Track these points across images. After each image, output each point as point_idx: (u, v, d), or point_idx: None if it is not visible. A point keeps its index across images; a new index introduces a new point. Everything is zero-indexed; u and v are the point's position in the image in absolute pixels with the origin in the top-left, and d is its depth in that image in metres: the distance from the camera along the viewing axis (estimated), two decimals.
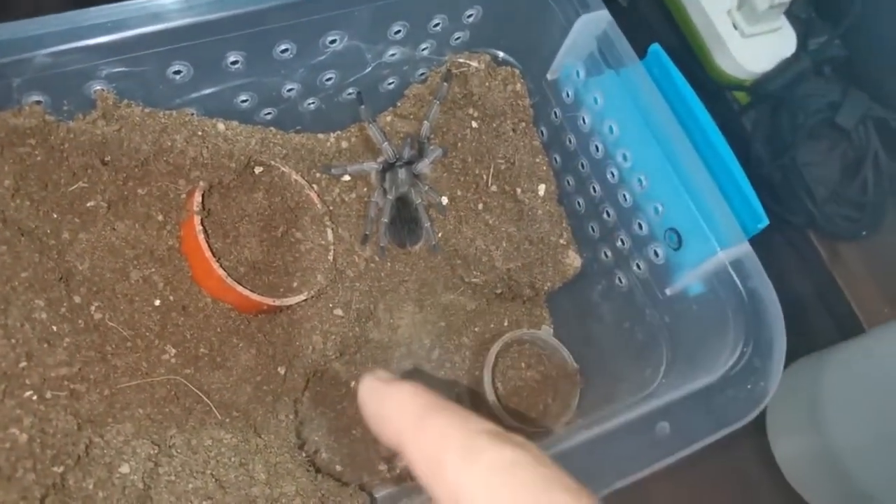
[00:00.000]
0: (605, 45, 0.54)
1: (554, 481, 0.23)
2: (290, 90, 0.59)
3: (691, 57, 0.88)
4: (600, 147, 0.58)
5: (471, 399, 0.68)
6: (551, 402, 0.68)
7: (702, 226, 0.50)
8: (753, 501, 0.75)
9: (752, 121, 0.88)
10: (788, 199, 0.84)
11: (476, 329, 0.70)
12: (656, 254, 0.55)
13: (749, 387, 0.44)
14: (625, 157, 0.56)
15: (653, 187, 0.54)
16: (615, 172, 0.57)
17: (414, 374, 0.68)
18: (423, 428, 0.25)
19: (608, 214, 0.60)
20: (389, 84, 0.65)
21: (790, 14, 0.87)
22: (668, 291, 0.55)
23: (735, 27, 0.85)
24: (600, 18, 0.55)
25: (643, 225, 0.56)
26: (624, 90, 0.53)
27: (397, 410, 0.26)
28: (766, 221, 0.52)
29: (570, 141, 0.62)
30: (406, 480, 0.65)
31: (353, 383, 0.67)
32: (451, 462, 0.23)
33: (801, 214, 0.84)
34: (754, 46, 0.85)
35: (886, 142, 0.83)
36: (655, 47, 0.56)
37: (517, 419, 0.65)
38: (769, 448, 0.74)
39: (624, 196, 0.57)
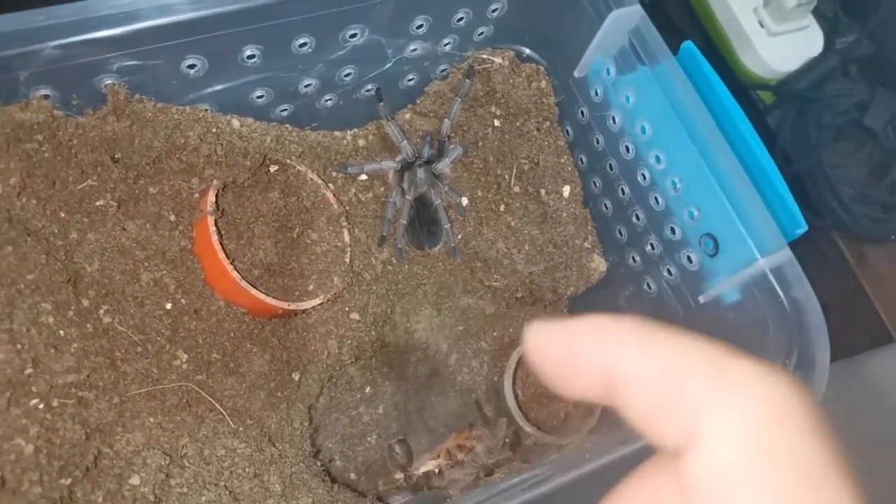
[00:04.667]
0: (638, 41, 0.52)
1: (828, 463, 0.17)
2: (307, 86, 0.57)
3: (716, 55, 0.86)
4: (631, 148, 0.56)
5: (488, 405, 0.66)
6: (573, 409, 0.66)
7: (741, 231, 0.48)
8: None
9: (777, 121, 0.85)
10: (814, 201, 0.82)
11: (495, 334, 0.68)
12: (690, 259, 0.53)
13: None
14: (658, 159, 0.53)
15: (688, 190, 0.52)
16: (646, 174, 0.55)
17: (430, 380, 0.66)
18: (656, 351, 0.19)
19: (637, 218, 0.58)
20: (409, 80, 0.63)
21: (817, 12, 0.85)
22: (701, 299, 0.53)
23: (761, 25, 0.83)
24: (633, 13, 0.53)
25: (676, 229, 0.54)
26: (658, 88, 0.51)
27: (609, 339, 0.20)
28: (804, 227, 0.50)
29: (597, 141, 0.60)
30: (422, 489, 0.63)
31: (367, 389, 0.65)
32: (695, 387, 0.17)
33: (827, 216, 0.82)
34: (781, 45, 0.83)
35: None
36: (688, 45, 0.54)
37: (538, 427, 0.63)
38: None
39: (656, 199, 0.55)
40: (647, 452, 0.45)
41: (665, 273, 0.56)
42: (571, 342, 0.20)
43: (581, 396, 0.21)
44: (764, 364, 0.18)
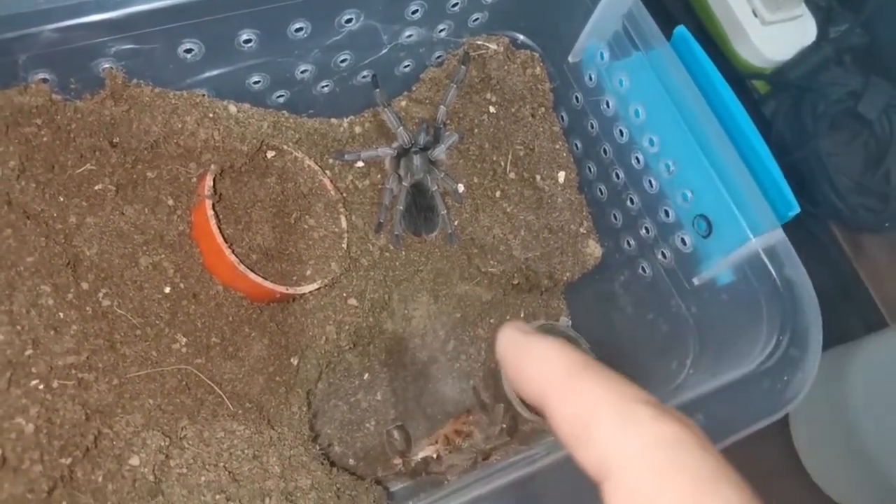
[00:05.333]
0: (631, 25, 0.53)
1: (719, 472, 0.20)
2: (303, 72, 0.57)
3: (710, 44, 0.86)
4: (625, 132, 0.56)
5: (486, 392, 0.66)
6: None
7: (734, 212, 0.48)
8: (775, 496, 0.73)
9: (772, 110, 0.86)
10: (810, 190, 0.82)
11: (492, 320, 0.69)
12: (684, 242, 0.53)
13: (786, 378, 0.42)
14: (651, 142, 0.54)
15: (681, 173, 0.52)
16: (640, 158, 0.55)
17: (428, 367, 0.67)
18: (574, 387, 0.23)
19: (632, 202, 0.58)
20: (405, 67, 0.63)
21: (811, 2, 0.85)
22: (695, 281, 0.53)
23: (755, 15, 0.83)
24: None
25: (670, 212, 0.54)
26: (652, 72, 0.52)
27: (544, 365, 0.24)
28: (797, 208, 0.51)
29: (592, 126, 0.60)
30: (420, 475, 0.63)
31: (366, 375, 0.65)
32: (605, 427, 0.22)
33: (823, 205, 0.82)
34: (774, 34, 0.83)
35: None
36: (681, 29, 0.54)
37: (535, 413, 0.63)
38: (792, 442, 0.73)
39: (650, 182, 0.55)
40: None
41: (659, 256, 0.57)
42: (523, 360, 0.25)
43: (526, 399, 0.25)
44: (659, 408, 0.22)
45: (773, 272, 0.46)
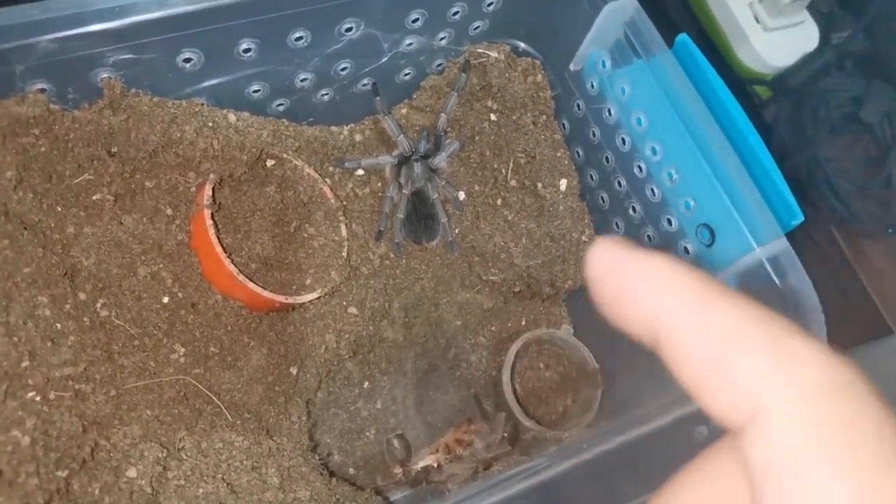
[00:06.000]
0: (633, 33, 0.52)
1: None
2: (303, 80, 0.57)
3: (712, 50, 0.86)
4: (627, 140, 0.56)
5: (487, 400, 0.66)
6: (571, 403, 0.66)
7: (737, 221, 0.48)
8: None
9: (774, 115, 0.86)
10: (812, 195, 0.82)
11: (493, 328, 0.68)
12: (686, 250, 0.53)
13: None
14: (654, 151, 0.53)
15: (684, 182, 0.52)
16: (643, 166, 0.55)
17: (428, 375, 0.66)
18: (712, 314, 0.18)
19: (634, 210, 0.58)
20: (405, 75, 0.63)
21: (812, 8, 0.85)
22: None
23: (757, 20, 0.83)
24: (628, 5, 0.53)
25: (673, 221, 0.54)
26: (654, 80, 0.51)
27: (661, 288, 0.18)
28: (801, 217, 0.50)
29: (593, 134, 0.60)
30: (421, 484, 0.63)
31: (366, 384, 0.65)
32: (755, 361, 0.17)
33: (824, 210, 0.82)
34: (776, 40, 0.83)
35: None
36: (683, 37, 0.54)
37: (536, 421, 0.63)
38: None
39: (652, 191, 0.55)
40: (648, 444, 0.45)
41: None
42: (628, 276, 0.19)
43: (627, 332, 0.20)
44: (824, 349, 0.17)
45: (777, 282, 0.46)
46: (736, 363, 0.17)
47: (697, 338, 0.18)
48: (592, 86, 0.58)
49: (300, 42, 0.53)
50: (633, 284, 0.19)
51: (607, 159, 0.59)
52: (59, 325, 0.46)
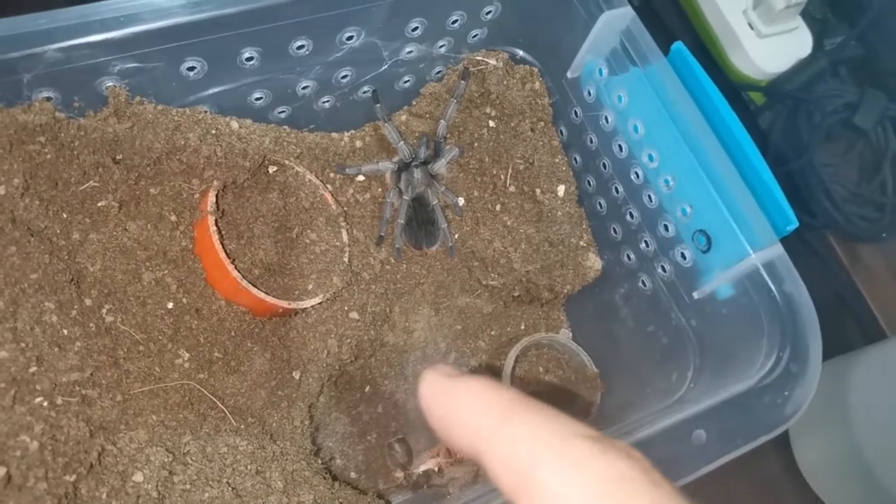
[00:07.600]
0: (629, 41, 0.53)
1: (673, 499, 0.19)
2: (304, 88, 0.58)
3: (706, 57, 0.87)
4: (624, 147, 0.57)
5: None
6: (570, 407, 0.66)
7: (732, 227, 0.48)
8: None
9: (769, 122, 0.87)
10: (807, 201, 0.83)
11: (493, 332, 0.69)
12: (683, 256, 0.54)
13: (786, 393, 0.43)
14: (650, 158, 0.54)
15: (680, 188, 0.52)
16: (640, 173, 0.56)
17: None
18: (508, 430, 0.21)
19: (631, 216, 0.59)
20: (405, 82, 0.63)
21: (806, 14, 0.86)
22: (695, 295, 0.53)
23: (751, 27, 0.84)
24: (624, 15, 0.54)
25: (669, 226, 0.54)
26: (650, 87, 0.52)
27: (473, 409, 0.22)
28: (795, 223, 0.51)
29: (591, 141, 0.61)
30: (422, 488, 0.63)
31: (367, 388, 0.65)
32: (546, 472, 0.20)
33: (819, 216, 0.83)
34: (770, 46, 0.84)
35: None
36: (678, 45, 0.55)
37: None
38: (792, 454, 0.73)
39: (649, 197, 0.56)
40: (646, 448, 0.45)
41: (659, 270, 0.57)
42: (449, 405, 0.23)
43: (457, 450, 0.23)
44: (603, 442, 0.20)
45: (772, 288, 0.47)
46: (535, 474, 0.20)
47: (502, 452, 0.21)
48: (589, 93, 0.59)
49: (302, 50, 0.53)
50: (450, 410, 0.22)
51: (604, 166, 0.60)
52: (65, 331, 0.46)
